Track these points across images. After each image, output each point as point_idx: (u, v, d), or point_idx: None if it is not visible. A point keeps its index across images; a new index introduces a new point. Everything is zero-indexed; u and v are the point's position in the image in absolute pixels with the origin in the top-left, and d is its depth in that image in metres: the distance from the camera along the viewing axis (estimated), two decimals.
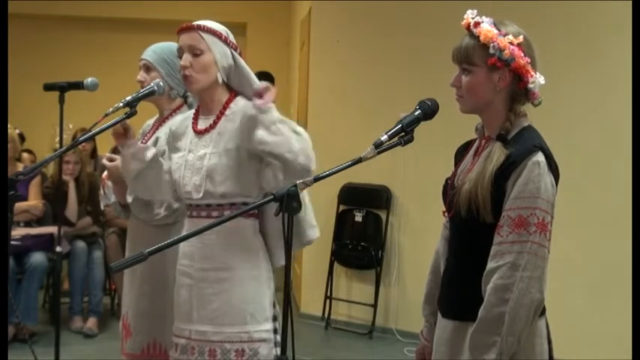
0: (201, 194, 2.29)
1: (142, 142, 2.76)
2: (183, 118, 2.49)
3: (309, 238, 2.37)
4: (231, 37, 2.34)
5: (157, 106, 2.76)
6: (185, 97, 2.76)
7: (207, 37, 2.27)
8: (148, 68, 2.68)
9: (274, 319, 2.33)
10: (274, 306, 2.35)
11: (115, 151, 5.56)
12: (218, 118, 2.32)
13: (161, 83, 2.58)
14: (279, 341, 2.31)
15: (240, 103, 2.32)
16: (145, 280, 2.60)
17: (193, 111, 2.44)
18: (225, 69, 2.31)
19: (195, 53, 2.28)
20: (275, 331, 2.32)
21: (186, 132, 2.40)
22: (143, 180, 2.41)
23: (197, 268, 2.32)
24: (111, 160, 2.63)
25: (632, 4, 3.44)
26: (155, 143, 2.65)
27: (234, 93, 2.35)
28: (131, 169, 2.39)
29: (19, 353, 4.25)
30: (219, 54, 2.28)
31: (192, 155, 2.34)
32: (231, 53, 2.31)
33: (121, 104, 2.30)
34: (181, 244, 2.26)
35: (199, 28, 2.28)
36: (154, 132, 2.72)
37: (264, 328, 2.27)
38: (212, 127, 2.33)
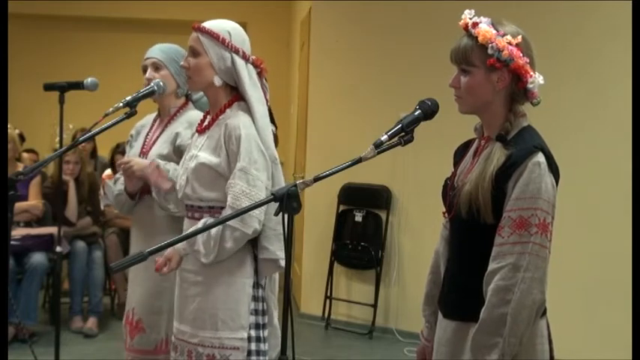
0: (180, 194, 2.32)
1: (144, 142, 2.77)
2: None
3: (261, 256, 2.32)
4: (236, 38, 2.32)
5: (161, 104, 2.78)
6: (187, 96, 2.78)
7: (204, 39, 2.28)
8: (157, 67, 2.70)
9: (257, 327, 2.31)
10: (259, 313, 2.33)
11: (115, 152, 5.57)
12: (213, 120, 2.34)
13: (161, 84, 2.61)
14: (263, 350, 2.31)
15: (234, 109, 2.32)
16: (166, 277, 2.57)
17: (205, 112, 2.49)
18: (224, 72, 2.30)
19: (194, 55, 2.29)
20: (258, 339, 2.31)
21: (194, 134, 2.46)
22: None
23: (181, 268, 2.35)
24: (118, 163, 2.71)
25: (632, 6, 3.43)
26: (175, 139, 2.66)
27: (234, 97, 2.35)
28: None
29: (19, 353, 4.26)
30: (216, 57, 2.28)
31: (189, 154, 2.37)
32: (231, 57, 2.30)
33: (121, 104, 2.31)
34: None
35: (199, 29, 2.29)
36: (163, 129, 2.73)
37: (237, 336, 2.27)
38: (206, 128, 2.35)
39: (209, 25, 2.31)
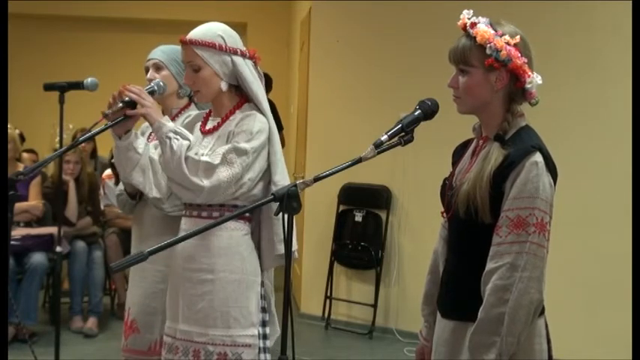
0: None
1: (146, 142, 2.77)
2: (197, 115, 2.52)
3: (280, 252, 2.31)
4: (229, 38, 2.32)
5: (163, 105, 2.78)
6: (190, 97, 2.78)
7: (201, 51, 2.27)
8: (158, 67, 2.70)
9: (263, 324, 2.32)
10: (265, 310, 2.34)
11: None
12: (222, 121, 2.34)
13: (161, 83, 2.62)
14: (268, 347, 2.32)
15: (245, 109, 2.34)
16: (160, 278, 2.58)
17: (207, 110, 2.47)
18: (227, 75, 2.31)
19: (194, 69, 2.30)
20: (264, 337, 2.32)
21: (195, 128, 2.43)
22: (141, 169, 2.41)
23: (183, 267, 2.33)
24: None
25: (632, 4, 3.44)
26: None
27: (242, 100, 2.36)
28: (130, 157, 2.39)
29: (19, 353, 4.26)
30: (218, 64, 2.29)
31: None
32: (231, 59, 2.30)
33: (121, 104, 2.30)
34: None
35: (192, 42, 2.28)
36: None
37: (249, 333, 2.27)
38: (215, 129, 2.35)
39: (199, 36, 2.29)
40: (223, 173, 2.19)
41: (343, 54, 5.46)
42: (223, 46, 2.29)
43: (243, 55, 2.33)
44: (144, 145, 2.42)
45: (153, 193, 2.47)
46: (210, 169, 2.19)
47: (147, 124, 2.85)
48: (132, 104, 2.30)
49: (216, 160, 2.19)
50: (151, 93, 2.56)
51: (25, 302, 4.69)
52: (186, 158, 2.19)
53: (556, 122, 4.39)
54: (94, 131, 2.34)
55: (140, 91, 2.31)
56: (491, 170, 1.78)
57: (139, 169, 2.42)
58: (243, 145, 2.22)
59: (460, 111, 1.91)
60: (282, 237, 2.25)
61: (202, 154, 2.26)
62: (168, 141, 2.20)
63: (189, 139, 2.24)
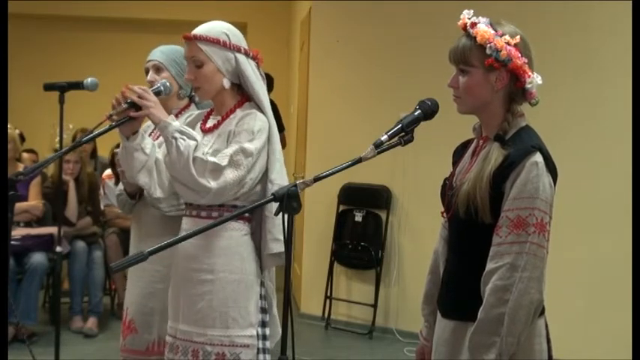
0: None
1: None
2: (198, 114, 2.52)
3: (271, 251, 2.31)
4: (234, 37, 2.32)
5: (164, 106, 2.77)
6: (191, 97, 2.78)
7: (205, 47, 2.27)
8: (158, 69, 2.70)
9: (263, 324, 2.32)
10: (264, 311, 2.34)
11: (115, 152, 5.56)
12: (223, 119, 2.34)
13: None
14: (268, 348, 2.32)
15: (246, 108, 2.34)
16: (158, 278, 2.59)
17: (208, 109, 2.47)
18: (230, 73, 2.31)
19: (197, 65, 2.29)
20: (264, 337, 2.32)
21: (196, 128, 2.43)
22: (148, 171, 2.40)
23: (183, 267, 2.33)
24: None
25: (632, 5, 3.44)
26: None
27: (244, 99, 2.36)
28: (137, 158, 2.37)
29: (18, 353, 4.25)
30: (221, 61, 2.28)
31: None
32: (234, 56, 2.30)
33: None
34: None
35: (196, 38, 2.28)
36: None
37: (247, 333, 2.27)
38: (215, 127, 2.35)
39: (204, 31, 2.29)
40: (230, 175, 2.19)
41: (343, 54, 5.46)
42: (227, 43, 2.29)
43: (246, 54, 2.33)
44: (151, 145, 2.41)
45: (157, 193, 2.46)
46: (217, 170, 2.18)
47: (148, 123, 2.86)
48: (136, 105, 2.29)
49: (224, 162, 2.19)
50: (158, 93, 2.56)
51: (25, 302, 4.69)
52: (194, 159, 2.18)
53: (554, 122, 4.38)
54: (96, 132, 2.34)
55: (143, 90, 2.30)
56: (491, 170, 1.78)
57: (145, 170, 2.40)
58: (248, 145, 2.22)
59: (460, 111, 1.91)
60: (275, 236, 2.28)
61: (205, 153, 2.27)
62: (174, 141, 2.19)
63: (196, 139, 2.22)
